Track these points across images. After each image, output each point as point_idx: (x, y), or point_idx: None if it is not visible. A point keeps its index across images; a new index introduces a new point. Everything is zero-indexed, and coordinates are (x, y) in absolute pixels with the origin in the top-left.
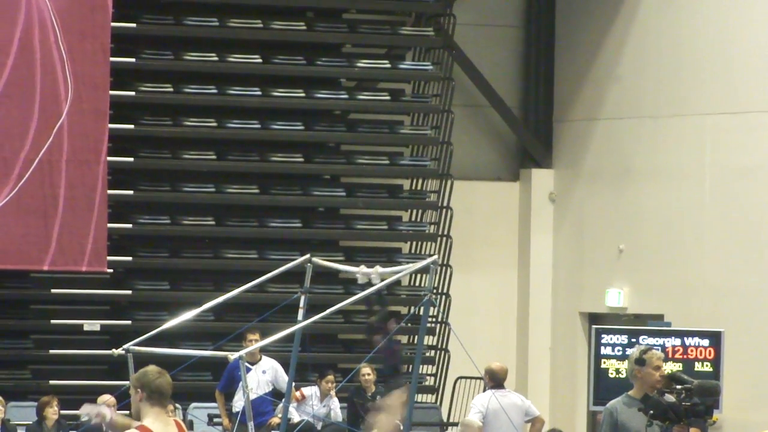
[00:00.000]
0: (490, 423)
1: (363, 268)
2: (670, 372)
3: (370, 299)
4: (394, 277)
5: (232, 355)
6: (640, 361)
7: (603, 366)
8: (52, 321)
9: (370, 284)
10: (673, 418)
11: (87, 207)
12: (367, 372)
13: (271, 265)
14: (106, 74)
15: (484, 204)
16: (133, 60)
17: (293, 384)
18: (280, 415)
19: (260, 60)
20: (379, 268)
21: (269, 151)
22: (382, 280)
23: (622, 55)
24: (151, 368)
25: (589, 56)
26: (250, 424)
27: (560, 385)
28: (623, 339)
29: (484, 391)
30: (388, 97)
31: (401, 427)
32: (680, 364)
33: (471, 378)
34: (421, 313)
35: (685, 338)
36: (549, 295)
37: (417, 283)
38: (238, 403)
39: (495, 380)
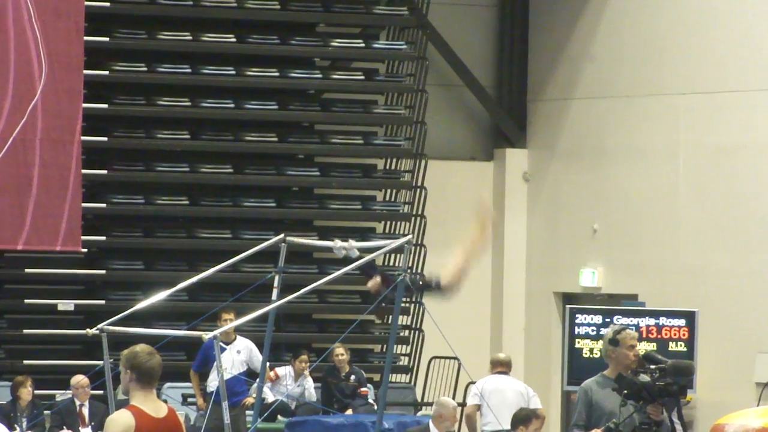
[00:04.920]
0: (488, 401)
1: (338, 242)
2: (644, 352)
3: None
4: (371, 256)
5: (207, 335)
6: (614, 342)
7: (577, 346)
8: (26, 300)
9: (349, 261)
10: (647, 397)
11: (61, 186)
12: (340, 352)
13: (246, 245)
14: (80, 53)
15: (458, 184)
16: (107, 39)
17: (267, 364)
18: (254, 395)
19: (234, 39)
20: (353, 242)
21: (243, 130)
22: (359, 254)
23: (596, 35)
24: (142, 348)
25: (564, 36)
26: (225, 404)
27: (534, 365)
28: (597, 319)
29: None
30: (362, 77)
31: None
32: (654, 344)
33: (445, 358)
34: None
35: (659, 318)
36: (523, 275)
37: (391, 263)
38: (213, 383)
39: (497, 368)
